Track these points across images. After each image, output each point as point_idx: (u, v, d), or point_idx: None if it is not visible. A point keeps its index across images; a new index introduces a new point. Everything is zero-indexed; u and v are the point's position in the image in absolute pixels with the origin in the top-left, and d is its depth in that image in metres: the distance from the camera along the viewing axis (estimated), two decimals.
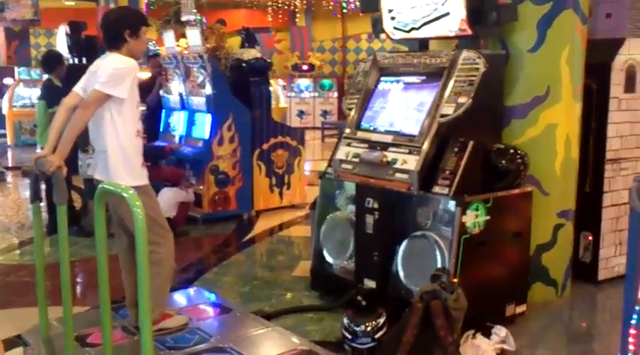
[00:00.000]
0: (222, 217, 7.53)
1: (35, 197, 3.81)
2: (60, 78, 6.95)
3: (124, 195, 2.91)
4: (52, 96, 6.63)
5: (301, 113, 18.90)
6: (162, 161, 7.33)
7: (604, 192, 5.05)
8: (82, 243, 6.30)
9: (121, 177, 3.72)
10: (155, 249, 3.83)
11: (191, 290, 5.06)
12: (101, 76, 3.71)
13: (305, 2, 18.75)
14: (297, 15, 19.96)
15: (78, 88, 3.91)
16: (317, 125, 17.98)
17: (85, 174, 6.65)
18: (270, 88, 8.27)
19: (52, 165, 3.51)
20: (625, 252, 4.96)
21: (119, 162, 3.78)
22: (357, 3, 16.80)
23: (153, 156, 6.80)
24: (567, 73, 4.63)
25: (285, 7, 18.30)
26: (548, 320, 4.55)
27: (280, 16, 18.65)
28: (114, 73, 3.71)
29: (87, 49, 10.36)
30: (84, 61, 10.35)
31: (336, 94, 18.91)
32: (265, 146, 7.88)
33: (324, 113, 18.82)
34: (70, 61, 10.04)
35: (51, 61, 7.12)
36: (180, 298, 4.81)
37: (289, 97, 18.58)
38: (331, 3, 18.31)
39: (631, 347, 2.90)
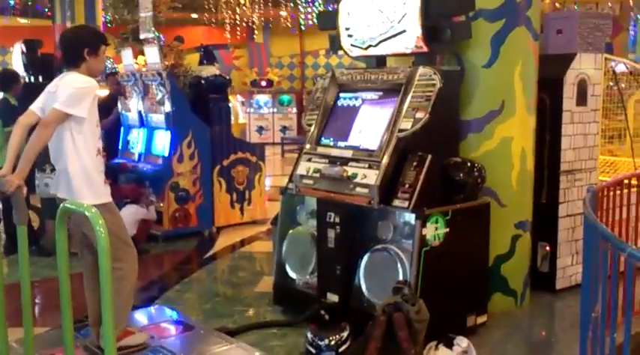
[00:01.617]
0: (182, 234, 7.49)
1: None
2: (16, 97, 6.87)
3: (87, 214, 2.90)
4: (8, 115, 6.54)
5: (260, 129, 18.90)
6: (122, 178, 7.29)
7: (560, 202, 5.16)
8: (41, 263, 6.21)
9: (83, 195, 3.72)
10: (118, 266, 3.83)
11: (153, 309, 5.04)
12: (61, 96, 3.71)
13: (263, 19, 18.81)
14: (255, 32, 20.00)
15: (35, 107, 3.89)
16: (276, 141, 17.99)
17: (42, 193, 6.58)
18: (229, 105, 8.29)
19: (11, 185, 3.49)
20: (582, 261, 5.14)
21: (81, 180, 3.78)
22: (315, 20, 16.92)
23: (112, 174, 6.76)
24: (521, 87, 4.74)
25: (243, 24, 18.33)
26: (508, 329, 4.63)
27: (238, 32, 18.68)
28: (74, 92, 3.71)
29: (43, 67, 10.26)
30: (40, 79, 10.25)
31: (295, 110, 18.96)
32: (225, 162, 7.87)
33: (284, 129, 18.84)
34: (26, 80, 9.93)
35: (7, 79, 7.03)
36: (142, 316, 4.79)
37: (248, 113, 18.58)
38: (289, 19, 18.41)
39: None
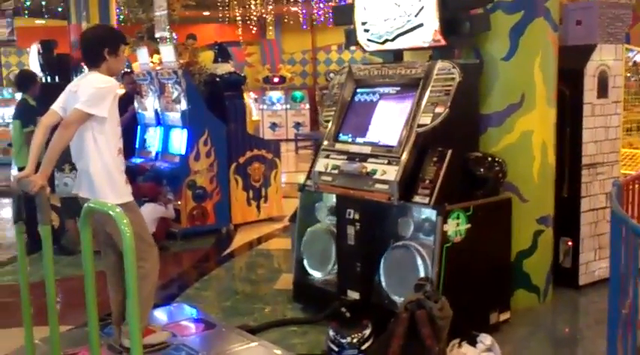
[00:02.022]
0: (200, 232, 7.50)
1: (18, 217, 3.79)
2: (34, 97, 6.90)
3: (111, 213, 2.89)
4: (27, 115, 6.60)
5: (274, 125, 18.90)
6: (140, 177, 7.30)
7: (582, 197, 5.10)
8: (62, 262, 6.24)
9: (105, 195, 3.72)
10: (140, 265, 3.81)
11: (174, 307, 5.04)
12: (82, 96, 3.71)
13: (274, 15, 18.79)
14: (267, 28, 20.00)
15: (56, 107, 3.90)
16: (290, 137, 18.00)
17: (62, 193, 6.60)
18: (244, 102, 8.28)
19: (35, 185, 3.49)
20: (605, 256, 5.09)
21: (103, 180, 3.78)
22: (327, 15, 16.88)
23: (129, 173, 6.77)
24: (541, 80, 4.69)
25: (255, 21, 18.32)
26: (532, 326, 4.58)
27: (251, 29, 18.68)
28: (95, 92, 3.71)
29: (59, 67, 10.32)
30: (57, 79, 10.30)
31: (307, 106, 18.96)
32: (241, 160, 7.87)
33: (297, 125, 18.84)
34: (43, 80, 9.97)
35: (25, 80, 7.07)
36: (163, 314, 4.79)
37: (261, 110, 18.58)
38: (300, 15, 18.38)
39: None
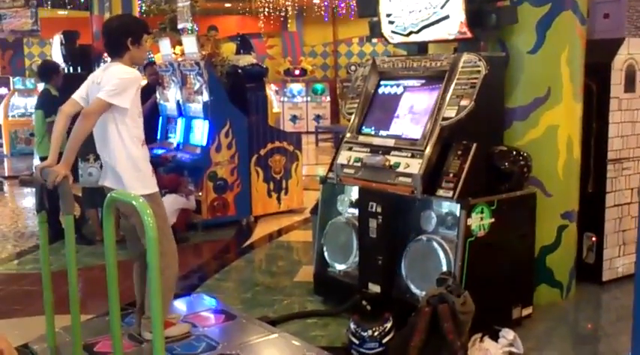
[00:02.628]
0: (221, 223, 7.51)
1: (41, 206, 3.80)
2: (57, 87, 6.95)
3: (134, 203, 2.89)
4: (50, 105, 6.64)
5: (294, 118, 18.90)
6: (161, 168, 7.32)
7: (607, 192, 5.03)
8: (83, 251, 6.26)
9: (131, 185, 3.73)
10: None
11: (194, 297, 5.05)
12: (105, 85, 3.71)
13: (296, 7, 18.75)
14: (289, 20, 19.96)
15: (77, 97, 3.90)
16: (310, 129, 17.96)
17: (85, 183, 6.64)
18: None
19: (58, 175, 3.50)
20: (629, 252, 5.04)
21: (129, 171, 3.79)
22: (349, 7, 16.81)
23: (152, 164, 6.79)
24: (567, 73, 4.63)
25: (277, 13, 18.29)
26: (554, 322, 4.54)
27: (272, 21, 18.65)
28: (119, 82, 3.71)
29: (81, 57, 10.40)
30: (79, 69, 10.38)
31: (328, 98, 18.93)
32: (262, 151, 7.87)
33: (317, 117, 18.82)
34: (65, 70, 10.05)
35: (48, 70, 7.12)
36: (184, 305, 4.80)
37: (282, 102, 18.57)
38: (322, 8, 18.32)
39: None
